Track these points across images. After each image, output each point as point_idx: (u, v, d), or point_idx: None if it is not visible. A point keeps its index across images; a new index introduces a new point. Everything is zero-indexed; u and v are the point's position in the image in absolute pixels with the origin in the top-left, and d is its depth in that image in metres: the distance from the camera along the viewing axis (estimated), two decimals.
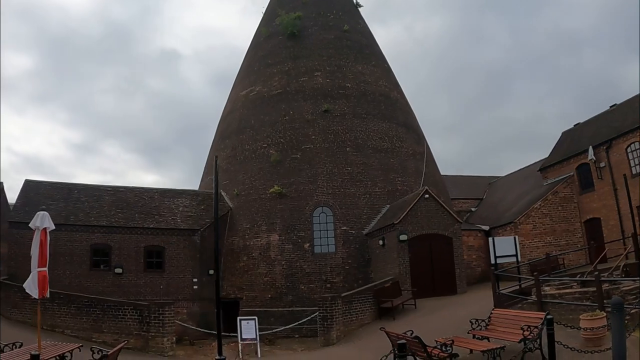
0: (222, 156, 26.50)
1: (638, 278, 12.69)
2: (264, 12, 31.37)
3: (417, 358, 8.28)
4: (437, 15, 77.55)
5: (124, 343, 9.48)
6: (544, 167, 23.79)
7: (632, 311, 9.81)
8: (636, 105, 20.07)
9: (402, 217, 20.18)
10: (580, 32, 73.08)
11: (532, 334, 8.40)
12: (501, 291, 15.30)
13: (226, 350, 18.02)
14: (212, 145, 29.01)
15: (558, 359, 8.01)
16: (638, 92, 21.28)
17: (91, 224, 21.89)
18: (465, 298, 18.98)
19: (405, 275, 19.62)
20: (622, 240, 18.94)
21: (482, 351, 8.67)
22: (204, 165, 29.32)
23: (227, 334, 20.34)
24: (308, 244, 22.55)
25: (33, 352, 4.64)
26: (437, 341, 8.55)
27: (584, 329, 8.70)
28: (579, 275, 15.36)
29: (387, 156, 24.59)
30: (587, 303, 11.79)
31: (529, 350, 8.37)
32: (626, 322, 8.80)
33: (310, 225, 22.79)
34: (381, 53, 29.09)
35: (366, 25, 29.81)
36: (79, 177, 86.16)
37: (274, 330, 18.36)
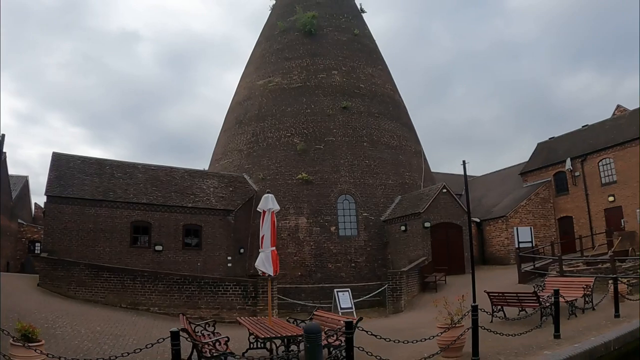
0: (242, 140, 27.87)
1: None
2: (271, 6, 32.79)
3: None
4: (387, 16, 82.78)
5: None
6: (524, 171, 28.66)
7: (632, 281, 14.08)
8: (607, 127, 25.39)
9: (426, 207, 23.47)
10: (519, 43, 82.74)
11: (588, 291, 12.34)
12: (525, 269, 19.41)
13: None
14: (222, 129, 29.95)
15: (606, 304, 11.88)
16: (609, 115, 26.88)
17: (131, 200, 22.14)
18: (478, 276, 22.82)
19: (428, 256, 22.97)
20: (590, 237, 24.18)
21: (566, 301, 12.09)
22: (212, 149, 30.19)
23: None
24: (334, 227, 24.96)
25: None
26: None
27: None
28: (584, 257, 19.97)
29: (396, 152, 27.72)
30: (602, 275, 16.09)
31: (587, 303, 12.20)
32: (631, 288, 13.37)
33: (335, 210, 25.21)
34: (383, 58, 32.06)
35: (370, 31, 32.54)
36: (25, 147, 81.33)
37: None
